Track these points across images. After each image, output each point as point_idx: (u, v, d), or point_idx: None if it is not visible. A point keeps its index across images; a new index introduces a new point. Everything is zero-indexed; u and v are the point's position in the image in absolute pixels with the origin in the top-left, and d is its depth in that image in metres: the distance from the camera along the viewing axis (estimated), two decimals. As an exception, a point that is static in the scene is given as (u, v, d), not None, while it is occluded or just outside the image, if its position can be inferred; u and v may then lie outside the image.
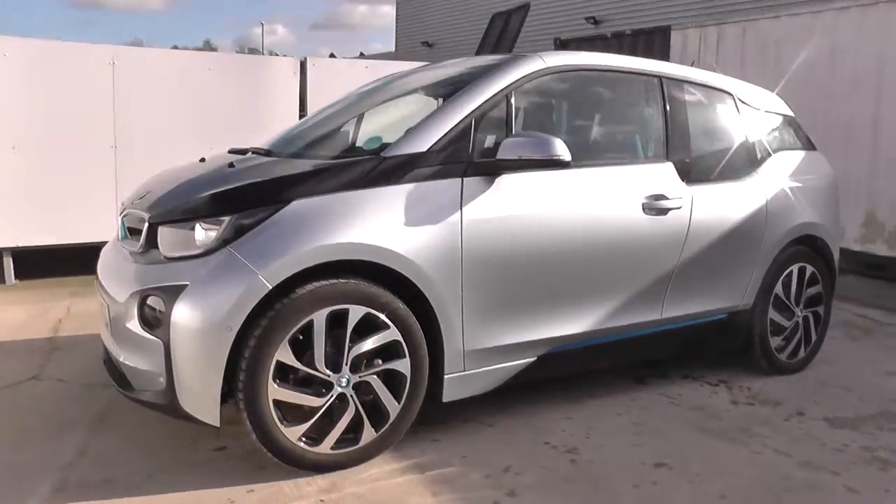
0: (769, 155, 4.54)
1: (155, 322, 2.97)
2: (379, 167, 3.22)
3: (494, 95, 3.51)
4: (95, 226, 6.22)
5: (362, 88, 4.65)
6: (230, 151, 3.98)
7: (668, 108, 4.12)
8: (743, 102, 4.56)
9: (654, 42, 10.40)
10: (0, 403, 3.83)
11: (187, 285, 2.89)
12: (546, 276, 3.56)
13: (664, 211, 3.89)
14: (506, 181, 3.41)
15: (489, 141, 3.51)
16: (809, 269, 4.60)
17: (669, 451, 3.45)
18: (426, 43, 24.55)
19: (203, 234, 3.01)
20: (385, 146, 3.40)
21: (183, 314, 2.86)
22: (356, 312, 3.04)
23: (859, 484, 3.19)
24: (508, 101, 3.55)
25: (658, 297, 3.98)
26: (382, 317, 3.10)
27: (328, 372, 3.02)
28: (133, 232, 3.37)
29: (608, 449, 3.45)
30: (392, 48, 28.43)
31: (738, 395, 4.20)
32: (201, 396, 2.91)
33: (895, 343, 5.40)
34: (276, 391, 2.96)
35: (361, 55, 30.54)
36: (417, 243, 3.17)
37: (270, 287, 2.88)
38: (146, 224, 3.16)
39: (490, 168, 3.39)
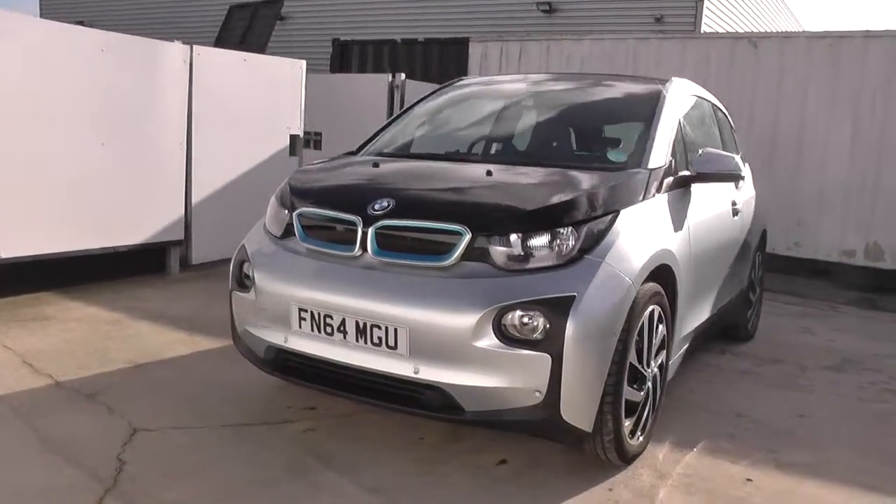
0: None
1: (526, 336, 2.84)
2: (661, 179, 3.54)
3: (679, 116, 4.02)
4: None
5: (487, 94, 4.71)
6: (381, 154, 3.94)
7: (720, 128, 4.91)
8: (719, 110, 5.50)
9: (450, 53, 11.07)
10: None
11: (575, 296, 2.84)
12: (709, 270, 4.11)
13: (737, 213, 4.69)
14: (693, 190, 3.89)
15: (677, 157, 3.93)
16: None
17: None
18: (81, 22, 21.76)
19: (560, 242, 2.98)
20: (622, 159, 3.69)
21: (578, 325, 2.81)
22: (654, 310, 3.29)
23: None
24: (681, 122, 4.03)
25: (734, 281, 4.73)
26: (660, 312, 3.36)
27: (646, 367, 3.24)
28: (387, 245, 3.09)
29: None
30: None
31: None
32: (584, 405, 2.93)
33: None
34: (628, 391, 3.10)
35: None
36: (678, 244, 3.54)
37: (636, 292, 2.99)
38: (466, 236, 2.97)
39: (692, 180, 3.85)
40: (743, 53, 8.95)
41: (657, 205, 3.47)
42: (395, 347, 2.96)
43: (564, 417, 2.89)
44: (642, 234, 3.23)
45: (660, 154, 3.64)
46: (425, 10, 14.65)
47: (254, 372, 3.62)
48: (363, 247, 3.13)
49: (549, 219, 3.03)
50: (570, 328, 2.81)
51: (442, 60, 10.95)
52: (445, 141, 4.34)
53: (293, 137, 7.60)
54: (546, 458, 3.34)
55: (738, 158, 3.92)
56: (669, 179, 3.63)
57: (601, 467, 3.26)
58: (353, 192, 3.42)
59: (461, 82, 4.81)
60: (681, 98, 4.14)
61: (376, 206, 3.17)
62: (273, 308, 3.29)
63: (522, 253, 2.97)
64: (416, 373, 2.95)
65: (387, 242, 3.11)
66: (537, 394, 2.85)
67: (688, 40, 9.58)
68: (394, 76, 9.10)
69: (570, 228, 3.00)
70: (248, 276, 3.47)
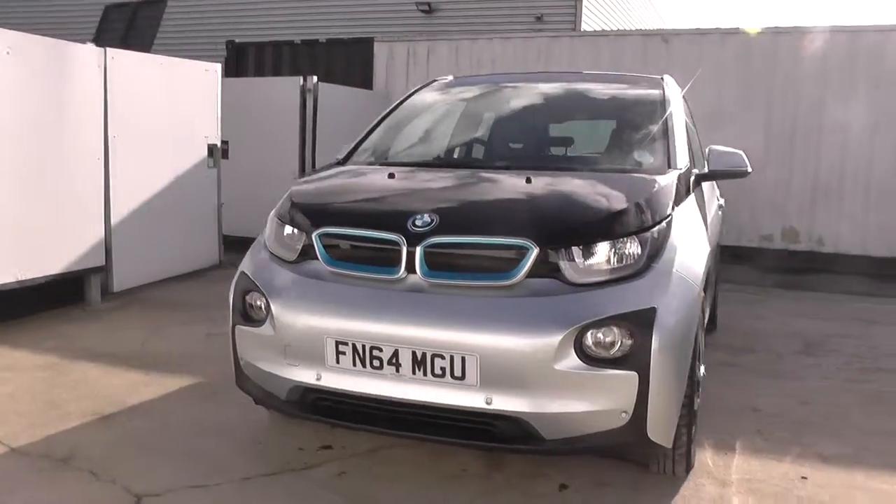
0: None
1: (610, 355, 2.63)
2: (688, 179, 3.42)
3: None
4: None
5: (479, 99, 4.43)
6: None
7: (694, 121, 4.88)
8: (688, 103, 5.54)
9: (353, 53, 10.67)
10: None
11: (656, 308, 2.66)
12: (713, 266, 4.09)
13: (721, 207, 4.70)
14: (703, 188, 3.86)
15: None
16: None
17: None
18: None
19: (630, 252, 2.80)
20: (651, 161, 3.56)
21: (663, 339, 2.64)
22: None
23: None
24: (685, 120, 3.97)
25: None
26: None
27: (698, 373, 3.18)
28: (437, 265, 2.79)
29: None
30: None
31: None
32: (668, 421, 2.77)
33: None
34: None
35: None
36: (711, 234, 3.46)
37: (700, 298, 2.86)
38: (534, 250, 2.71)
39: (706, 177, 3.79)
40: (655, 49, 9.15)
41: (691, 206, 3.36)
42: (463, 377, 2.67)
43: (650, 436, 2.70)
44: (691, 237, 3.10)
45: (683, 154, 3.52)
46: (309, 9, 14.12)
47: (249, 412, 3.22)
48: (409, 268, 2.81)
49: (618, 227, 2.83)
50: (655, 343, 2.62)
51: (346, 62, 10.53)
52: (455, 147, 4.05)
53: (212, 147, 7.02)
54: (607, 477, 3.14)
55: (743, 154, 3.86)
56: (692, 179, 3.52)
57: (664, 481, 3.11)
58: (387, 208, 3.08)
59: (443, 82, 4.52)
60: (678, 95, 4.06)
61: (418, 223, 2.86)
62: (300, 343, 2.90)
63: (594, 265, 2.76)
64: (488, 403, 2.67)
65: (437, 262, 2.81)
66: (623, 414, 2.65)
67: (600, 38, 9.73)
68: (305, 79, 8.63)
69: (637, 236, 2.82)
70: (256, 308, 3.06)
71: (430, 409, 2.77)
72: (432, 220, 2.85)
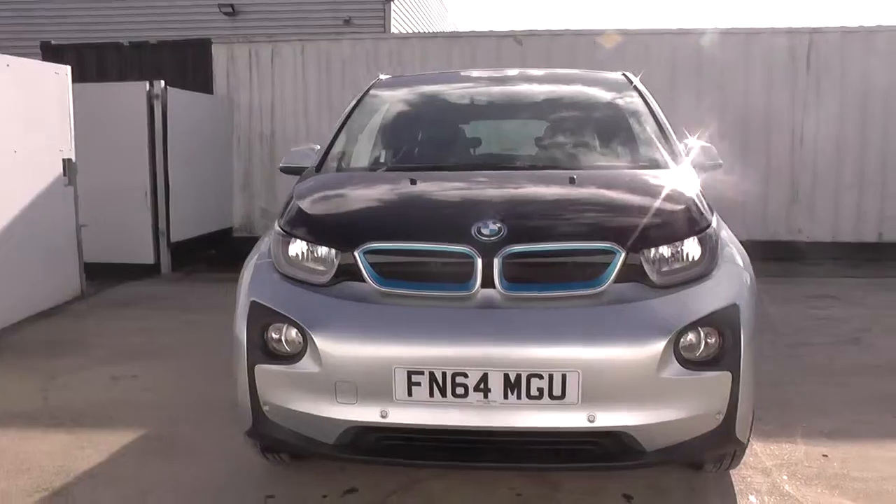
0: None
1: (706, 357, 2.53)
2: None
3: None
4: None
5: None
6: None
7: None
8: None
9: (187, 56, 9.80)
10: None
11: (738, 305, 2.60)
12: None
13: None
14: None
15: None
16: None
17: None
18: None
19: (704, 249, 2.71)
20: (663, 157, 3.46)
21: (748, 335, 2.58)
22: None
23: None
24: None
25: None
26: None
27: None
28: (513, 276, 2.55)
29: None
30: None
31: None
32: (749, 417, 2.71)
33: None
34: None
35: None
36: None
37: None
38: (621, 254, 2.56)
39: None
40: (509, 50, 9.29)
41: None
42: (563, 396, 2.44)
43: (737, 435, 2.64)
44: (726, 230, 3.08)
45: (680, 148, 3.51)
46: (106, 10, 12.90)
47: (230, 464, 2.88)
48: (484, 282, 2.54)
49: (691, 225, 2.76)
50: (743, 340, 2.57)
51: (180, 65, 9.62)
52: (455, 148, 3.71)
53: (67, 162, 6.09)
54: (663, 483, 3.04)
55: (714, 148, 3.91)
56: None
57: (716, 479, 3.08)
58: (444, 218, 2.73)
59: (392, 80, 4.19)
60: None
61: (485, 232, 2.59)
62: (358, 377, 2.51)
63: (675, 266, 2.65)
64: (591, 421, 2.46)
65: (513, 274, 2.56)
66: (718, 416, 2.57)
67: (454, 39, 9.71)
68: (152, 85, 7.78)
69: (704, 233, 2.75)
70: (288, 342, 2.62)
71: (522, 435, 2.52)
72: (500, 229, 2.60)
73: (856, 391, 4.18)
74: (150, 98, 7.76)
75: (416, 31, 14.78)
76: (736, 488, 3.03)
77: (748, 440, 2.92)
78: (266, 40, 9.80)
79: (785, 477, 3.12)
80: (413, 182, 3.04)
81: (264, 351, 2.66)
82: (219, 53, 9.70)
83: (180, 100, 8.10)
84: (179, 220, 8.01)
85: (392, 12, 13.74)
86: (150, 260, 7.77)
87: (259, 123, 9.66)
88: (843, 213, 8.87)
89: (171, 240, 7.94)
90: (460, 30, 17.74)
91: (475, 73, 4.68)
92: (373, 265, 2.63)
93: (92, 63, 9.53)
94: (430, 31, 15.88)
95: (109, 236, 7.11)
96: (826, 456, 3.32)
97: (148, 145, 7.69)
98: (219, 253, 9.00)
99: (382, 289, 2.60)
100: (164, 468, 3.25)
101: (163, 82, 7.86)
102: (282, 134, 9.58)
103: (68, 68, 6.15)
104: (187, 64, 9.80)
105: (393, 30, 13.28)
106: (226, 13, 13.12)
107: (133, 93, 7.69)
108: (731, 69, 8.83)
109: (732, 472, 3.12)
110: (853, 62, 8.71)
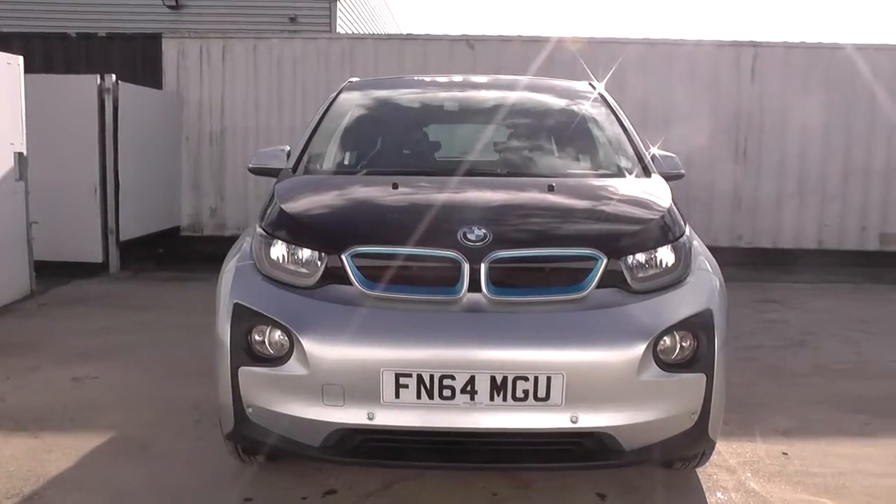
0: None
1: (682, 359, 2.63)
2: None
3: None
4: None
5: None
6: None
7: None
8: None
9: (138, 50, 9.57)
10: None
11: (711, 310, 2.71)
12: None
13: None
14: None
15: None
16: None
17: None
18: None
19: (678, 256, 2.82)
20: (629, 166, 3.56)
21: (721, 338, 2.70)
22: None
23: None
24: None
25: None
26: None
27: None
28: (498, 281, 2.61)
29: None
30: None
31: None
32: (720, 416, 2.81)
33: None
34: None
35: None
36: None
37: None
38: (602, 260, 2.64)
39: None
40: (462, 53, 9.35)
41: None
42: (547, 398, 2.51)
43: (710, 434, 2.75)
44: (697, 239, 3.18)
45: (648, 156, 3.62)
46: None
47: (206, 465, 2.87)
48: (471, 287, 2.59)
49: (667, 233, 2.87)
50: (717, 343, 2.68)
51: (129, 59, 9.39)
52: (429, 152, 3.74)
53: (18, 156, 5.91)
54: (636, 482, 3.13)
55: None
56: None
57: (685, 477, 3.19)
58: (430, 222, 2.75)
59: (364, 82, 4.20)
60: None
61: (470, 237, 2.65)
62: (346, 380, 2.53)
63: (652, 272, 2.75)
64: (574, 422, 2.54)
65: (498, 278, 2.61)
66: (693, 416, 2.68)
67: (406, 41, 9.70)
68: (103, 78, 7.59)
69: (678, 241, 2.86)
70: (272, 344, 2.62)
71: (506, 436, 2.58)
72: (486, 234, 2.65)
73: (807, 391, 4.37)
74: (101, 92, 7.57)
75: (360, 31, 14.73)
76: (704, 486, 3.14)
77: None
78: (218, 36, 9.64)
79: (749, 474, 3.25)
80: (395, 186, 3.06)
81: (248, 353, 2.65)
82: (169, 48, 9.50)
83: (131, 95, 7.92)
84: (128, 218, 7.82)
85: (338, 12, 13.68)
86: (99, 258, 7.57)
87: (209, 121, 9.49)
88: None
89: (121, 238, 7.76)
90: (388, 31, 17.80)
91: (448, 79, 4.72)
92: (360, 268, 2.65)
93: (38, 53, 9.21)
94: (385, 33, 15.86)
95: (56, 233, 6.89)
96: (786, 454, 3.47)
97: (98, 140, 7.50)
98: (166, 252, 8.83)
99: (370, 292, 2.62)
100: (137, 471, 3.20)
101: (114, 76, 7.67)
102: (232, 132, 9.45)
103: (20, 58, 5.97)
104: (136, 58, 9.57)
105: (339, 30, 13.21)
106: (169, 6, 12.85)
107: (83, 86, 7.49)
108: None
109: (699, 470, 3.24)
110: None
